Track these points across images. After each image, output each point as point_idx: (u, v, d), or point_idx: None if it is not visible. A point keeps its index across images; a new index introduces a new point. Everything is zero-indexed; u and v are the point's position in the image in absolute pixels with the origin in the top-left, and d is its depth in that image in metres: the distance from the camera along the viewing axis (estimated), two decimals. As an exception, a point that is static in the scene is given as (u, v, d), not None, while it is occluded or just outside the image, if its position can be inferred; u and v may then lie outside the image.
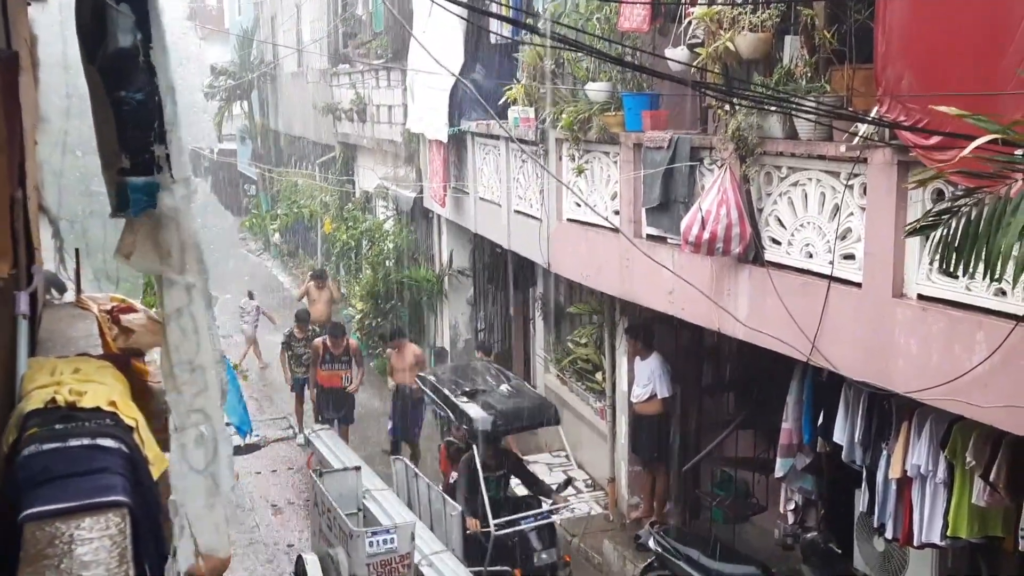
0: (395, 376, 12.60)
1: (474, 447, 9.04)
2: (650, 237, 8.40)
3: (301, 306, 16.15)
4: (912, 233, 5.05)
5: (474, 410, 9.16)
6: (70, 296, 4.18)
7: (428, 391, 10.29)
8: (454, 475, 9.74)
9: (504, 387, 9.84)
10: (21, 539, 1.82)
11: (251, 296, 20.20)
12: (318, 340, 13.06)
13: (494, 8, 10.75)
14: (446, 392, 9.75)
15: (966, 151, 3.63)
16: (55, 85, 3.86)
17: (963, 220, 3.96)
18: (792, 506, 7.97)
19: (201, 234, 2.83)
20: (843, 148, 6.01)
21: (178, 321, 2.89)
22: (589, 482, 11.51)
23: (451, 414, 9.67)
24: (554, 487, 9.71)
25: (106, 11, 2.44)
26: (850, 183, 6.10)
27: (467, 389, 9.70)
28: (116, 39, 2.47)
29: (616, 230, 8.65)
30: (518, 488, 10.00)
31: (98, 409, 2.35)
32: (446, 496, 9.16)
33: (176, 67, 2.66)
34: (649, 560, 8.61)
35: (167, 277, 2.83)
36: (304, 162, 25.87)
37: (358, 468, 9.46)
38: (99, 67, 2.46)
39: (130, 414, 2.44)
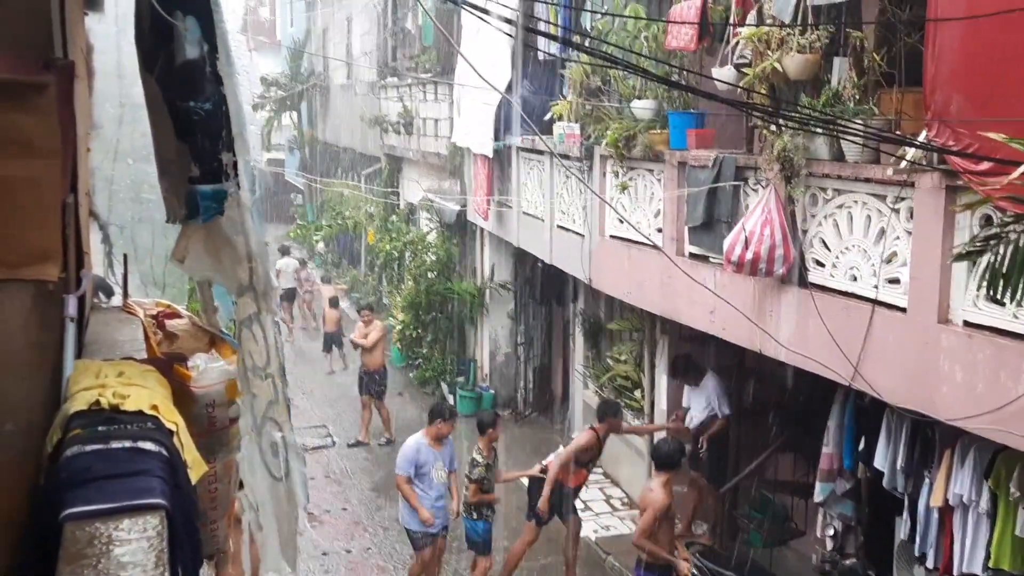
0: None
1: None
2: (692, 256, 8.36)
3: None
4: (959, 258, 4.96)
5: None
6: (117, 300, 4.26)
7: None
8: None
9: None
10: (61, 538, 1.86)
11: (285, 253, 20.66)
12: (588, 437, 9.04)
13: (542, 26, 10.79)
14: None
15: (1013, 176, 3.58)
16: (109, 94, 3.95)
17: (1011, 247, 3.90)
18: (831, 532, 7.85)
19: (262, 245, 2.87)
20: (890, 171, 5.95)
21: (250, 328, 2.95)
22: (625, 500, 11.45)
23: None
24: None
25: (167, 23, 2.50)
26: (897, 207, 6.03)
27: None
28: (184, 51, 2.53)
29: (658, 248, 8.62)
30: None
31: (140, 412, 2.39)
32: None
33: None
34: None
35: (234, 285, 2.89)
36: (350, 173, 26.14)
37: None
38: (163, 78, 2.52)
39: (171, 418, 2.48)
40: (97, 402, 2.37)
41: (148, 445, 2.24)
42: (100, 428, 2.25)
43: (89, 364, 2.65)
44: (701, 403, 9.58)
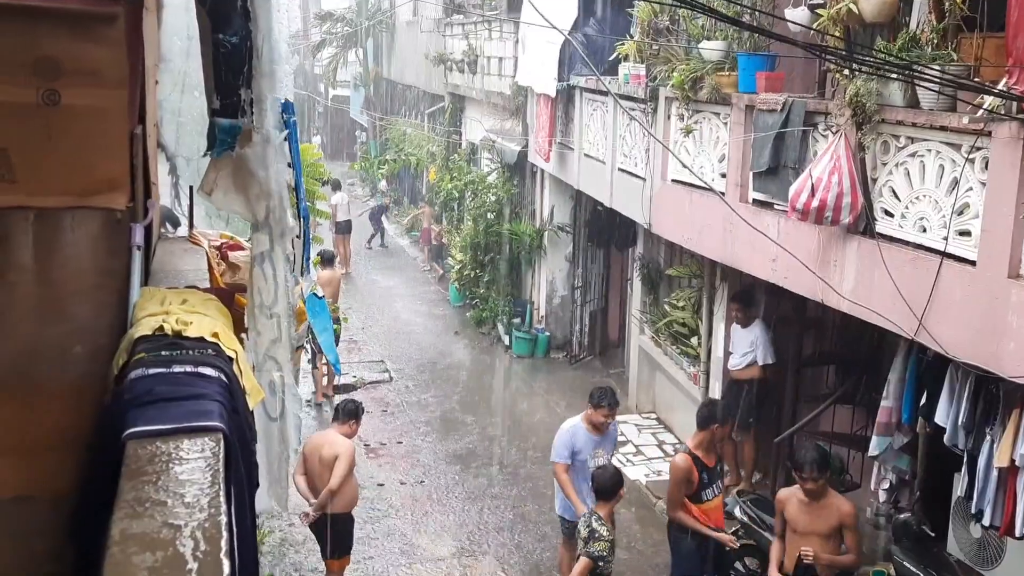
0: None
1: None
2: (756, 202, 8.22)
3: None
4: (1034, 212, 4.82)
5: None
6: (183, 231, 4.36)
7: None
8: None
9: None
10: (124, 455, 1.94)
11: (336, 187, 20.87)
12: (683, 460, 7.35)
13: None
14: None
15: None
16: (177, 26, 3.98)
17: (1090, 201, 3.76)
18: (886, 485, 7.79)
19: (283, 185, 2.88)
20: (966, 120, 5.74)
21: (261, 265, 3.00)
22: (678, 445, 11.47)
23: None
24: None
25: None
26: (971, 157, 5.83)
27: None
28: None
29: (720, 193, 8.48)
30: None
31: (202, 339, 2.46)
32: None
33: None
34: (734, 528, 8.54)
35: (254, 220, 2.93)
36: (414, 111, 26.12)
37: None
38: (211, 10, 2.54)
39: (231, 346, 2.55)
40: (161, 328, 2.45)
41: (208, 370, 2.31)
42: (163, 352, 2.33)
43: (154, 291, 2.72)
44: (744, 347, 9.54)
